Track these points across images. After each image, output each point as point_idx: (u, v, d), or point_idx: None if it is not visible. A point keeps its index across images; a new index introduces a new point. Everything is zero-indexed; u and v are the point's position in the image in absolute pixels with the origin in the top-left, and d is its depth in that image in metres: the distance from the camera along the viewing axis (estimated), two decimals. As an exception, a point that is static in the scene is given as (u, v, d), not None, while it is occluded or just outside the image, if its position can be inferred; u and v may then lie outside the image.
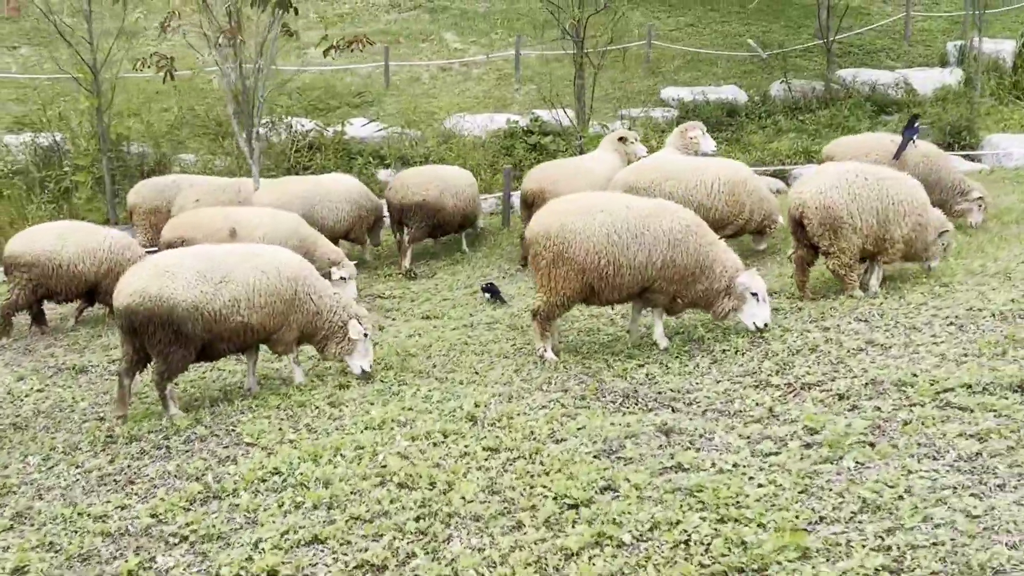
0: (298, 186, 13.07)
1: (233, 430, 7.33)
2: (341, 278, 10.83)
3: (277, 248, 8.42)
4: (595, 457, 6.06)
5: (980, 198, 12.19)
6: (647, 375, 7.75)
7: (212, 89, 19.18)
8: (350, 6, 29.00)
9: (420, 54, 24.97)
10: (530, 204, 12.79)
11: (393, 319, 10.83)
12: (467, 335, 9.72)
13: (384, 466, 6.20)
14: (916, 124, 12.58)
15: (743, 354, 7.99)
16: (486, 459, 6.22)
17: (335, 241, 13.13)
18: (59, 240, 10.67)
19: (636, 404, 7.11)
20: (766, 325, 8.32)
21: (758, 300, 8.32)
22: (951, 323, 8.02)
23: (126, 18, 15.69)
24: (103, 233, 11.00)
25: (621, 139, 13.31)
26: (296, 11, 12.81)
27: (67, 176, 15.78)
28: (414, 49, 25.39)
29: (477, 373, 8.31)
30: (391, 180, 13.92)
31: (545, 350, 8.52)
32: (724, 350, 8.18)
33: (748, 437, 6.19)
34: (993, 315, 8.00)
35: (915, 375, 6.82)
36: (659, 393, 7.30)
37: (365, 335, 8.23)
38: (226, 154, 18.00)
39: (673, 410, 6.89)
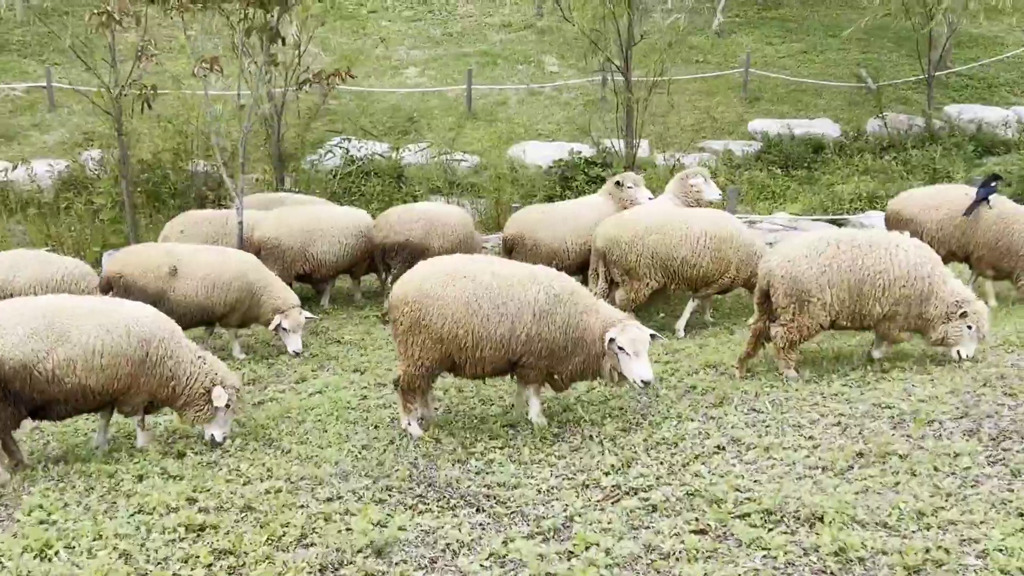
0: (296, 220, 12.68)
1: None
2: (282, 328, 10.36)
3: (136, 304, 7.96)
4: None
5: None
6: (488, 462, 7.01)
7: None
8: (462, 25, 28.79)
9: (515, 76, 24.46)
10: (510, 250, 12.09)
11: (327, 369, 10.24)
12: (361, 395, 9.11)
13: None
14: (995, 183, 11.32)
15: (601, 443, 7.24)
16: (209, 565, 5.53)
17: (335, 275, 12.91)
18: (10, 270, 10.56)
19: (441, 499, 6.38)
20: (645, 383, 7.40)
21: (629, 355, 7.39)
22: (835, 424, 7.13)
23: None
24: (57, 264, 10.84)
25: (618, 183, 12.42)
26: (284, 41, 12.48)
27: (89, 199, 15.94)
28: (511, 71, 24.93)
29: (320, 448, 7.63)
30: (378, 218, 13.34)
31: (409, 423, 7.88)
32: (590, 435, 7.43)
33: (503, 558, 5.40)
34: (891, 417, 7.10)
35: (736, 490, 6.01)
36: (482, 487, 6.54)
37: (227, 404, 7.68)
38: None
39: (478, 510, 6.16)
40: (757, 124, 20.93)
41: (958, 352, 8.18)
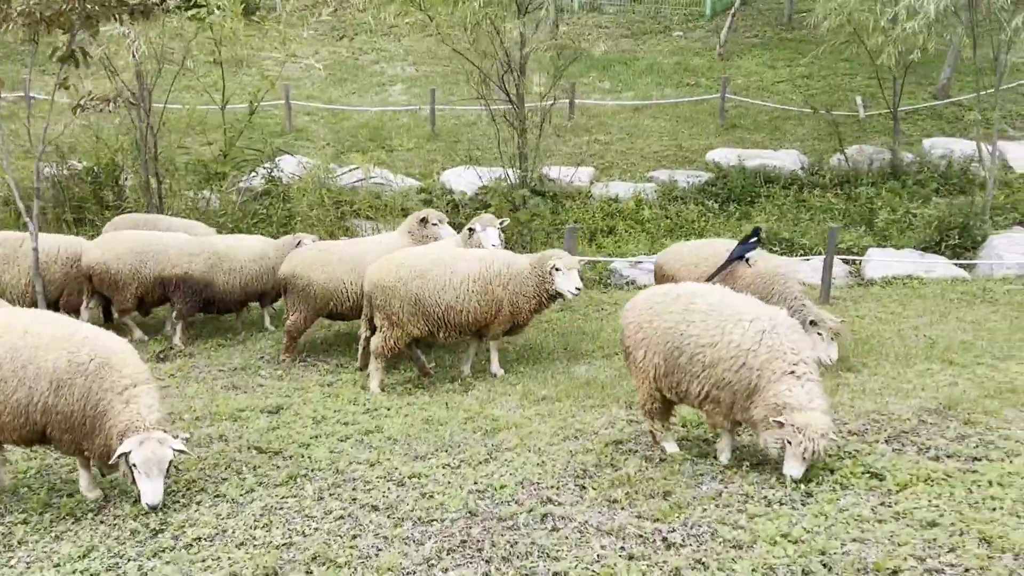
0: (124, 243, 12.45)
1: None
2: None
3: None
4: None
5: (832, 329, 9.67)
6: None
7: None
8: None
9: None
10: (283, 291, 11.59)
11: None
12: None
13: None
14: (754, 239, 10.26)
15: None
16: None
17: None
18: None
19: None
20: (151, 507, 6.75)
21: (141, 474, 6.72)
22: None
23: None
24: None
25: (422, 220, 11.75)
26: (78, 64, 12.25)
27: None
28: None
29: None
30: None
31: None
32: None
33: None
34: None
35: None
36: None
37: None
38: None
39: None
40: (715, 154, 19.77)
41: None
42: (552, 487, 7.00)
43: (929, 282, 14.72)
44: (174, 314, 12.33)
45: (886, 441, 7.59)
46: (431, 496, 6.89)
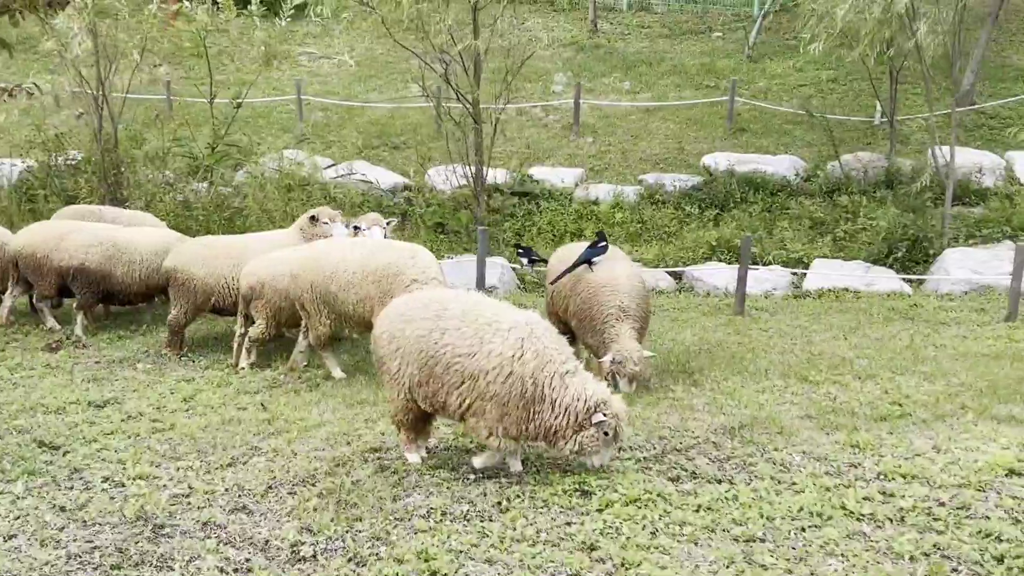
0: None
1: None
2: None
3: None
4: None
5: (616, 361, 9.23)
6: None
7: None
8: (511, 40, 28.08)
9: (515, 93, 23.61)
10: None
11: None
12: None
13: None
14: (602, 243, 9.92)
15: None
16: None
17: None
18: None
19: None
20: None
21: None
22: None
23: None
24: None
25: (312, 218, 11.74)
26: (11, 52, 12.51)
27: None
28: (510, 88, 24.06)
29: None
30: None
31: None
32: None
33: None
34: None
35: None
36: None
37: None
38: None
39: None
40: (712, 158, 19.21)
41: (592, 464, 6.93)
42: (258, 494, 6.93)
43: (865, 296, 14.08)
44: (75, 304, 12.45)
45: (652, 458, 7.44)
46: (126, 499, 6.77)
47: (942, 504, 6.51)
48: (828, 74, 23.38)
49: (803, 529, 6.19)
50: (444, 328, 7.03)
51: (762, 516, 6.37)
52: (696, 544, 6.02)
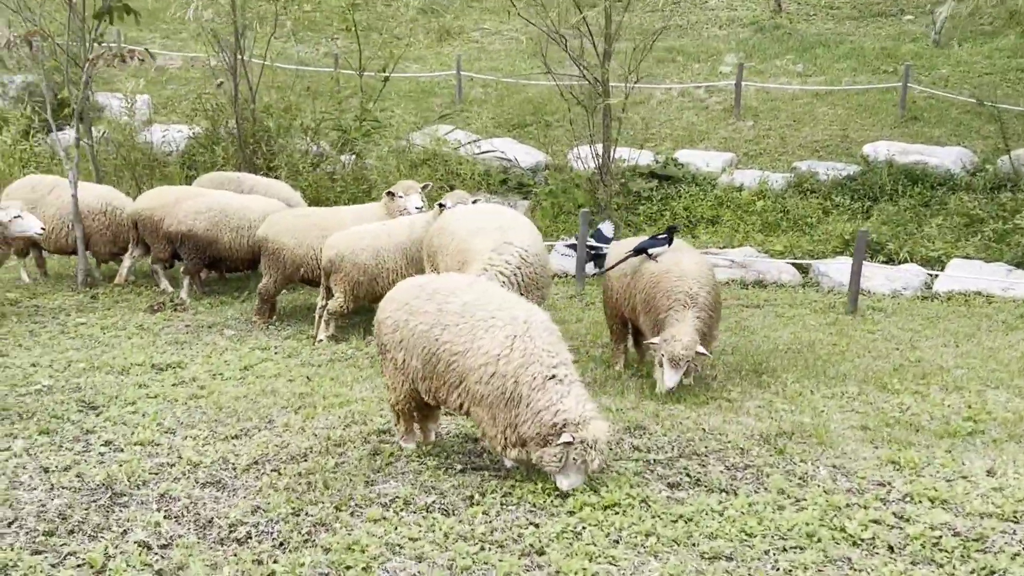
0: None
1: None
2: None
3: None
4: None
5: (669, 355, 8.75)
6: None
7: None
8: (696, 16, 27.40)
9: (681, 73, 22.95)
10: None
11: None
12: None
13: None
14: (665, 236, 9.46)
15: None
16: None
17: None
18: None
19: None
20: None
21: None
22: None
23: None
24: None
25: (389, 194, 11.74)
26: (112, 20, 12.98)
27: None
28: (679, 68, 23.45)
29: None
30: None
31: None
32: None
33: None
34: None
35: None
36: None
37: None
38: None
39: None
40: (875, 147, 18.04)
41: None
42: (240, 469, 6.92)
43: (999, 301, 12.83)
44: (183, 268, 12.78)
45: (662, 461, 7.08)
46: (111, 465, 6.84)
47: (956, 534, 5.79)
48: (1020, 63, 21.46)
49: (784, 550, 5.67)
50: (444, 324, 6.72)
51: (743, 532, 5.89)
52: (655, 557, 5.61)
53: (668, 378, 8.32)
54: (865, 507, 6.24)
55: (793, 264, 14.33)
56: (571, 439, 6.14)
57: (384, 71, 18.34)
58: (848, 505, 6.26)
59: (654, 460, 7.07)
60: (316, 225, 11.65)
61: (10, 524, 5.90)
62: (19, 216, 11.17)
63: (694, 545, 5.73)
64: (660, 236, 9.34)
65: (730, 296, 12.97)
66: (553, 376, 6.34)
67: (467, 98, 22.55)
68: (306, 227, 11.66)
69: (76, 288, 12.99)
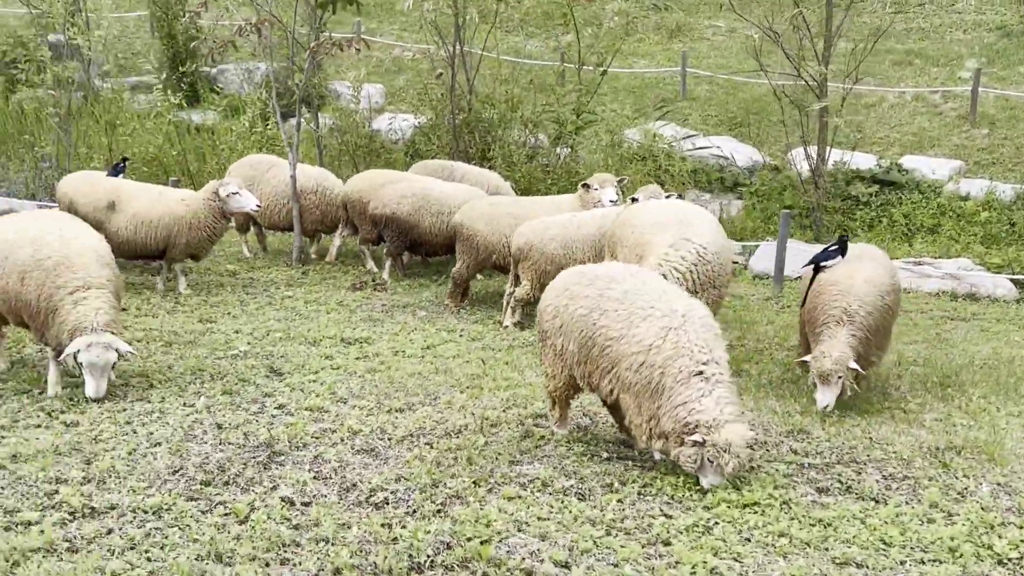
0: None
1: None
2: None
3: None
4: None
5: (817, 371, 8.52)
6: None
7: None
8: (940, 19, 26.20)
9: (918, 77, 22.05)
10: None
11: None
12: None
13: None
14: (835, 247, 9.21)
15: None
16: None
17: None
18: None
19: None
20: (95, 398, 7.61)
21: (87, 371, 7.63)
22: None
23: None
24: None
25: (585, 186, 11.97)
26: (335, 10, 13.67)
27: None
28: (916, 71, 22.52)
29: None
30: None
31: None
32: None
33: None
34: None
35: None
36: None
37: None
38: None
39: None
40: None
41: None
42: (395, 439, 7.24)
43: None
44: (385, 250, 13.34)
45: (818, 466, 6.98)
46: (276, 427, 7.25)
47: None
48: None
49: (920, 562, 5.52)
50: (603, 309, 6.79)
51: (880, 541, 5.76)
52: (784, 558, 5.54)
53: (820, 396, 7.99)
54: (1021, 527, 5.86)
55: (1011, 279, 13.44)
56: (702, 440, 6.08)
57: (601, 65, 18.40)
58: (1003, 524, 5.93)
59: (808, 464, 6.90)
60: (510, 213, 11.87)
61: (174, 472, 6.34)
62: (237, 192, 11.86)
63: (827, 549, 5.59)
64: (832, 248, 8.98)
65: (936, 308, 12.39)
66: (700, 373, 6.31)
67: (691, 95, 22.35)
68: (500, 215, 11.91)
69: (290, 264, 13.71)
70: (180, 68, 20.36)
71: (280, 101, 15.26)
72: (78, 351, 7.52)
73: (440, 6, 15.90)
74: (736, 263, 13.55)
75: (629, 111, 20.66)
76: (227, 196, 11.88)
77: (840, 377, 7.79)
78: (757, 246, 14.74)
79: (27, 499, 5.87)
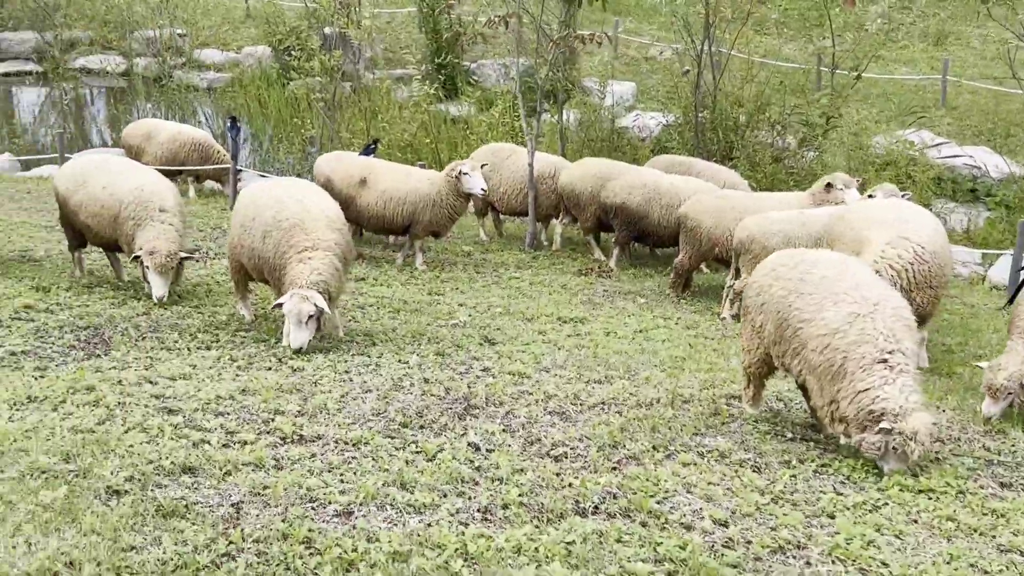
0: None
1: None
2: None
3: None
4: None
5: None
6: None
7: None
8: None
9: None
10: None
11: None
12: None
13: None
14: None
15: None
16: None
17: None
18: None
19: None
20: (295, 350, 8.30)
21: (289, 321, 8.29)
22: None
23: None
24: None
25: (828, 185, 11.97)
26: (580, 4, 14.16)
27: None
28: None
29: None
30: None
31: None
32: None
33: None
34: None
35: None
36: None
37: None
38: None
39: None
40: None
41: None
42: (586, 406, 7.59)
43: None
44: (613, 239, 13.75)
45: (1006, 464, 6.83)
46: (478, 386, 7.76)
47: None
48: None
49: None
50: (801, 291, 6.89)
51: None
52: (948, 540, 5.50)
53: (985, 406, 7.69)
54: None
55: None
56: (890, 427, 6.08)
57: (855, 69, 18.09)
58: None
59: (998, 461, 6.74)
60: (735, 207, 11.98)
61: (377, 414, 6.91)
62: (467, 173, 12.50)
63: (993, 537, 5.50)
64: None
65: None
66: (884, 361, 6.29)
67: (951, 103, 21.52)
68: (725, 208, 12.04)
69: (523, 249, 14.29)
70: (437, 60, 21.41)
71: (531, 95, 15.88)
72: (282, 303, 8.25)
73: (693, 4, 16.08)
74: (975, 272, 13.09)
75: (878, 116, 20.07)
76: (460, 175, 12.52)
77: (1011, 394, 7.49)
78: (999, 256, 14.11)
79: (247, 424, 6.56)
